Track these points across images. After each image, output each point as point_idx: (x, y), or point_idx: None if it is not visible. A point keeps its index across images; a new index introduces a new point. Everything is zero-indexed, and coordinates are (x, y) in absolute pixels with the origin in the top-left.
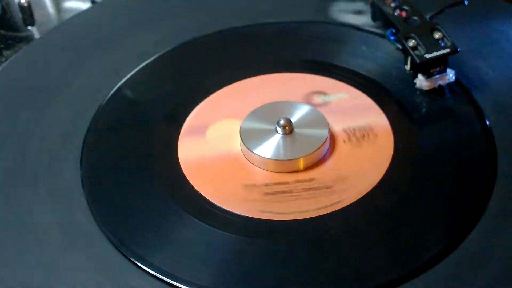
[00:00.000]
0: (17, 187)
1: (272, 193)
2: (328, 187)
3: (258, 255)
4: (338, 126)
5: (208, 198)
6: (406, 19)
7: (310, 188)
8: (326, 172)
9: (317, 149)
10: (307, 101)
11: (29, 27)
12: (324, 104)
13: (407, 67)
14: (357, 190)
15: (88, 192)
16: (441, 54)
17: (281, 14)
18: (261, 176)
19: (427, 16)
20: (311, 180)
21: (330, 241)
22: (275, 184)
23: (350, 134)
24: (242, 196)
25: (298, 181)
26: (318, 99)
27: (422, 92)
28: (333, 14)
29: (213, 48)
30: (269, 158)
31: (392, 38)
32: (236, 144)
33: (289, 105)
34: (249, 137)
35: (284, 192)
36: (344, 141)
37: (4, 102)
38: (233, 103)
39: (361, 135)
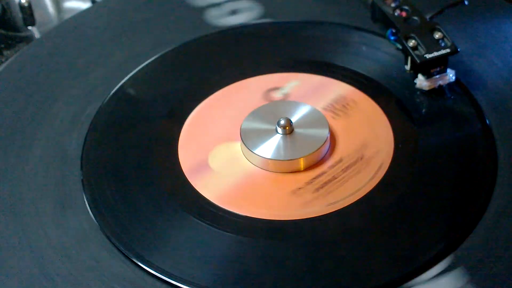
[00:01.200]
0: (16, 187)
1: (321, 186)
2: (360, 158)
3: (258, 255)
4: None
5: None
6: (406, 19)
7: (347, 167)
8: (345, 148)
9: (318, 149)
10: (268, 99)
11: (29, 27)
12: (285, 96)
13: (407, 67)
14: (386, 147)
15: (88, 191)
16: (441, 54)
17: (281, 14)
18: (298, 178)
19: (427, 16)
20: (340, 160)
21: (330, 241)
22: (315, 178)
23: (332, 109)
24: (299, 202)
25: (331, 167)
26: (277, 94)
27: (422, 92)
28: (333, 14)
29: (214, 48)
30: (269, 158)
31: (392, 38)
32: (246, 164)
33: (289, 105)
34: (249, 137)
35: (330, 180)
36: (333, 118)
37: (4, 102)
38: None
39: (341, 106)
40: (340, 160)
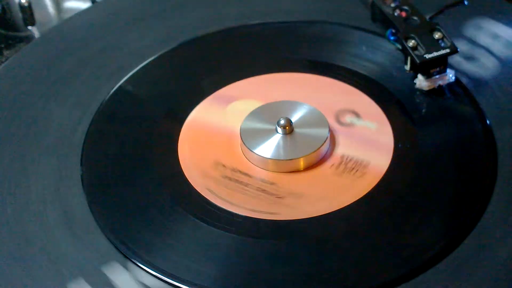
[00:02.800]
0: (16, 185)
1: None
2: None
3: (258, 255)
4: (340, 150)
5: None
6: (406, 19)
7: (348, 166)
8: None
9: (318, 149)
10: (336, 117)
11: (29, 27)
12: (349, 125)
13: (407, 67)
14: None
15: (88, 191)
16: (441, 54)
17: (281, 14)
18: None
19: (427, 16)
20: (340, 160)
21: (330, 241)
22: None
23: (343, 161)
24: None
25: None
26: (347, 119)
27: (422, 92)
28: (333, 14)
29: (214, 48)
30: (269, 158)
31: (392, 38)
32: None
33: (289, 105)
34: (249, 137)
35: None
36: (331, 166)
37: (4, 102)
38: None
39: (351, 167)
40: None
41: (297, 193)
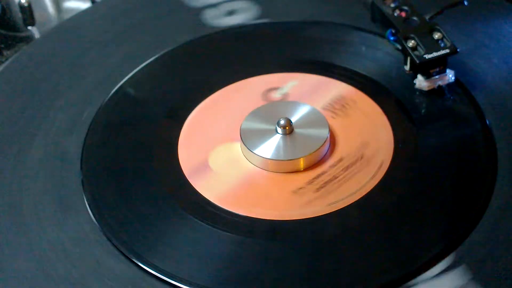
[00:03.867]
0: (16, 186)
1: (321, 186)
2: (360, 157)
3: (258, 255)
4: (339, 149)
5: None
6: (405, 20)
7: (347, 166)
8: (345, 148)
9: (317, 149)
10: (267, 100)
11: (29, 27)
12: (284, 96)
13: (407, 67)
14: (386, 146)
15: (88, 191)
16: (440, 55)
17: (281, 14)
18: (298, 178)
19: (427, 17)
20: (340, 159)
21: (330, 241)
22: (315, 178)
23: (331, 109)
24: (299, 202)
25: (332, 166)
26: (275, 95)
27: (422, 92)
28: (333, 14)
29: (214, 48)
30: (269, 158)
31: (391, 38)
32: (246, 164)
33: (289, 105)
34: (249, 137)
35: (330, 180)
36: (333, 117)
37: (4, 102)
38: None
39: (340, 106)
40: (340, 160)
41: (362, 143)
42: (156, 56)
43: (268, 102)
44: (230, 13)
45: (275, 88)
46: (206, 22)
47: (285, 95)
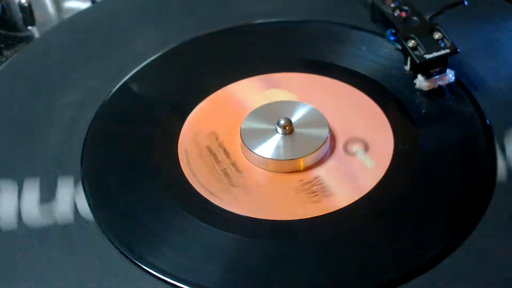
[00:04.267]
0: (17, 186)
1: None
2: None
3: (258, 255)
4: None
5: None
6: (405, 20)
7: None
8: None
9: (317, 149)
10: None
11: (29, 27)
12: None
13: (407, 67)
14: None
15: (89, 192)
16: (440, 55)
17: (281, 14)
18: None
19: (427, 17)
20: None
21: (330, 241)
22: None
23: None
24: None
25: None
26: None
27: (422, 92)
28: (333, 14)
29: (214, 47)
30: (269, 158)
31: (391, 38)
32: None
33: (289, 105)
34: (249, 137)
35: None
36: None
37: (4, 102)
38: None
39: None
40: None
41: (250, 188)
42: (156, 56)
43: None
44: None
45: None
46: (207, 21)
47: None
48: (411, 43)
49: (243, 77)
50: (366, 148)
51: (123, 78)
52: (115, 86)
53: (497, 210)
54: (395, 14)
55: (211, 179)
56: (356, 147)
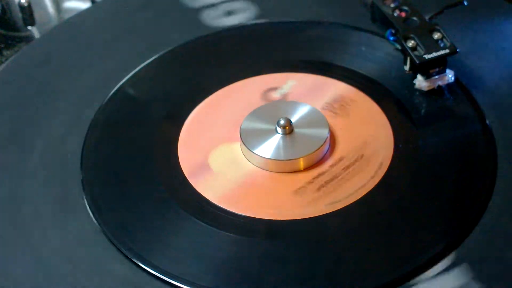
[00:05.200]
0: (17, 187)
1: (321, 186)
2: (360, 157)
3: (258, 255)
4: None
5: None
6: (405, 20)
7: (347, 166)
8: (345, 148)
9: (317, 149)
10: (267, 100)
11: (29, 27)
12: (283, 96)
13: (407, 67)
14: (386, 146)
15: (89, 192)
16: (440, 55)
17: (281, 14)
18: (298, 178)
19: (427, 17)
20: (340, 159)
21: (330, 241)
22: (315, 178)
23: (331, 108)
24: (299, 202)
25: (332, 166)
26: (275, 94)
27: (422, 92)
28: (333, 14)
29: (213, 48)
30: (269, 158)
31: (391, 38)
32: (246, 164)
33: (289, 105)
34: (249, 137)
35: (330, 180)
36: (332, 116)
37: (4, 102)
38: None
39: (339, 105)
40: (340, 160)
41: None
42: (156, 56)
43: (268, 102)
44: (230, 13)
45: (275, 88)
46: (206, 22)
47: (285, 95)
48: (410, 43)
49: (243, 77)
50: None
51: (123, 78)
52: (115, 86)
53: (497, 210)
54: (395, 14)
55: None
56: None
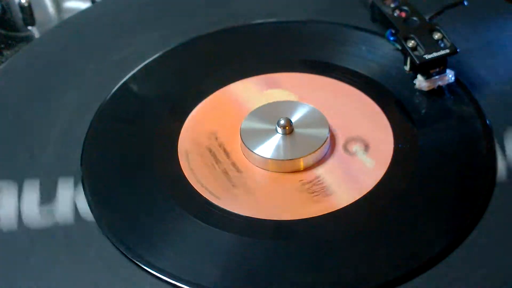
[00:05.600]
0: (17, 187)
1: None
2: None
3: (258, 255)
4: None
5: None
6: (405, 20)
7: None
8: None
9: (318, 149)
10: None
11: (29, 27)
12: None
13: (407, 67)
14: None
15: (89, 192)
16: (440, 55)
17: (281, 14)
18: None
19: (427, 17)
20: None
21: (330, 241)
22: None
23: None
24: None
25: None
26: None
27: (422, 92)
28: (333, 14)
29: (214, 47)
30: (269, 158)
31: (391, 38)
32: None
33: (289, 105)
34: (249, 137)
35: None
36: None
37: (4, 102)
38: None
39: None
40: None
41: (250, 188)
42: (156, 56)
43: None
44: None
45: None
46: (206, 22)
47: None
48: (410, 43)
49: (243, 77)
50: (366, 148)
51: (123, 78)
52: (115, 86)
53: (497, 210)
54: (395, 14)
55: (211, 179)
56: (356, 147)
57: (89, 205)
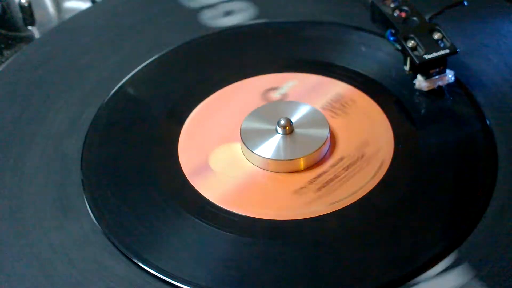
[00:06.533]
0: (16, 187)
1: (322, 186)
2: (361, 157)
3: (258, 255)
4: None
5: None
6: (405, 20)
7: (347, 166)
8: (346, 148)
9: (318, 149)
10: (267, 100)
11: (29, 27)
12: (283, 96)
13: (407, 67)
14: (386, 146)
15: (89, 192)
16: (440, 55)
17: (282, 14)
18: (298, 178)
19: (427, 17)
20: (341, 159)
21: (330, 241)
22: (315, 178)
23: (331, 108)
24: (299, 202)
25: (332, 166)
26: (275, 94)
27: (422, 92)
28: (333, 14)
29: (213, 48)
30: (270, 158)
31: (391, 38)
32: (246, 164)
33: (290, 105)
34: (249, 137)
35: (330, 180)
36: (332, 116)
37: (4, 102)
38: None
39: (339, 105)
40: (341, 160)
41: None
42: (156, 56)
43: (268, 102)
44: (229, 13)
45: (275, 88)
46: (205, 23)
47: (285, 95)
48: (410, 43)
49: (243, 77)
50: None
51: (123, 78)
52: (115, 86)
53: (497, 210)
54: (395, 14)
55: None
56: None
57: (89, 206)
